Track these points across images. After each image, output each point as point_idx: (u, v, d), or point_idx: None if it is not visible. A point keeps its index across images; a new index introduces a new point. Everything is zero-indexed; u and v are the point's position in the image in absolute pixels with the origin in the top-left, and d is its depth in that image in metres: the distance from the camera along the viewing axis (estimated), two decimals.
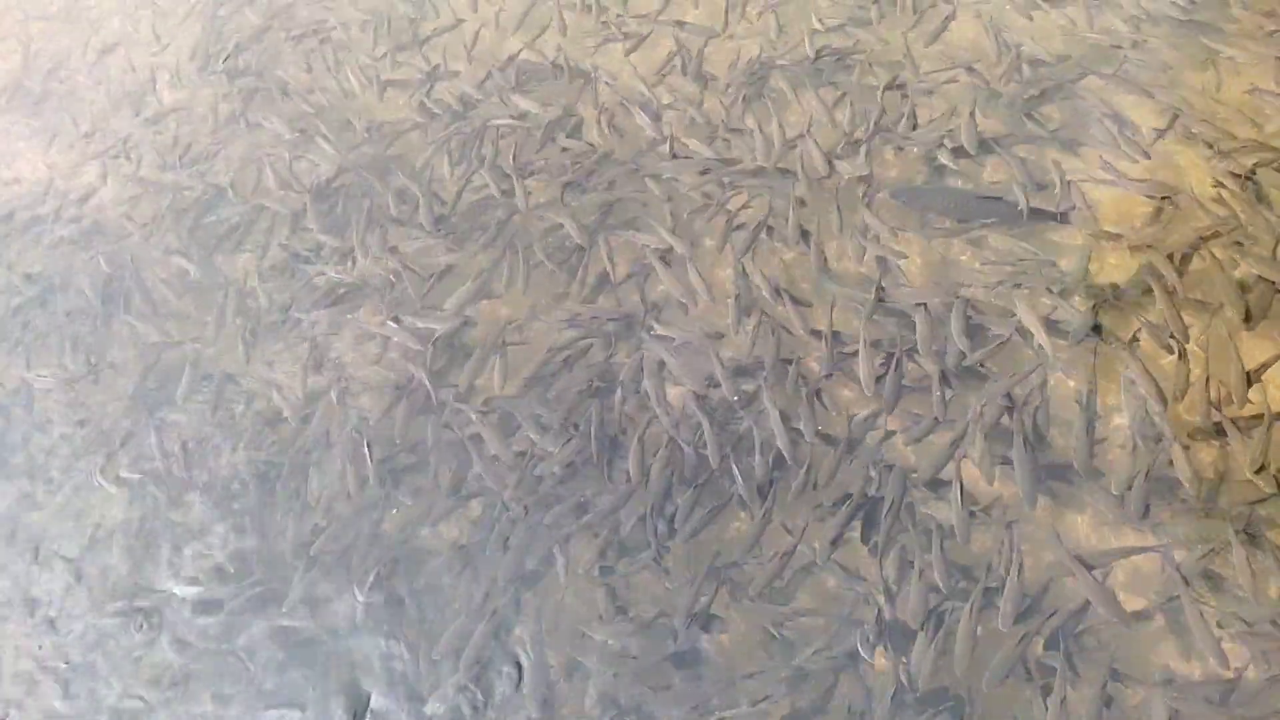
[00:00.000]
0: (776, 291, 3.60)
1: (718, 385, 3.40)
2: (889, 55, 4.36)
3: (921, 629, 2.79)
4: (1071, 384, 3.24)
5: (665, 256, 3.81)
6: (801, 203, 3.87)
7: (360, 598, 3.15)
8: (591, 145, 4.28)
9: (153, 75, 5.09)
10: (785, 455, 3.18)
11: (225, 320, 3.96)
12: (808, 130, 4.12)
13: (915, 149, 3.98)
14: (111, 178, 4.64)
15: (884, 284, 3.55)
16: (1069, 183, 3.75)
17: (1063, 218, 3.65)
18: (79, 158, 4.77)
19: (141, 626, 3.23)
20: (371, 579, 3.17)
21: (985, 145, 3.92)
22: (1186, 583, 2.77)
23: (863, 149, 4.00)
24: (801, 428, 3.23)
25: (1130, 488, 2.94)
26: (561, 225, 3.98)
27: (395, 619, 3.11)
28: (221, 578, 3.30)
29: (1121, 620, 2.73)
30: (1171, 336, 3.27)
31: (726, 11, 4.73)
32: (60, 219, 4.52)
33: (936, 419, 3.20)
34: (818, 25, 4.54)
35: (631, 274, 3.79)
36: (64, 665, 3.21)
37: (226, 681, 3.09)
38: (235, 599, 3.23)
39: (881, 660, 2.79)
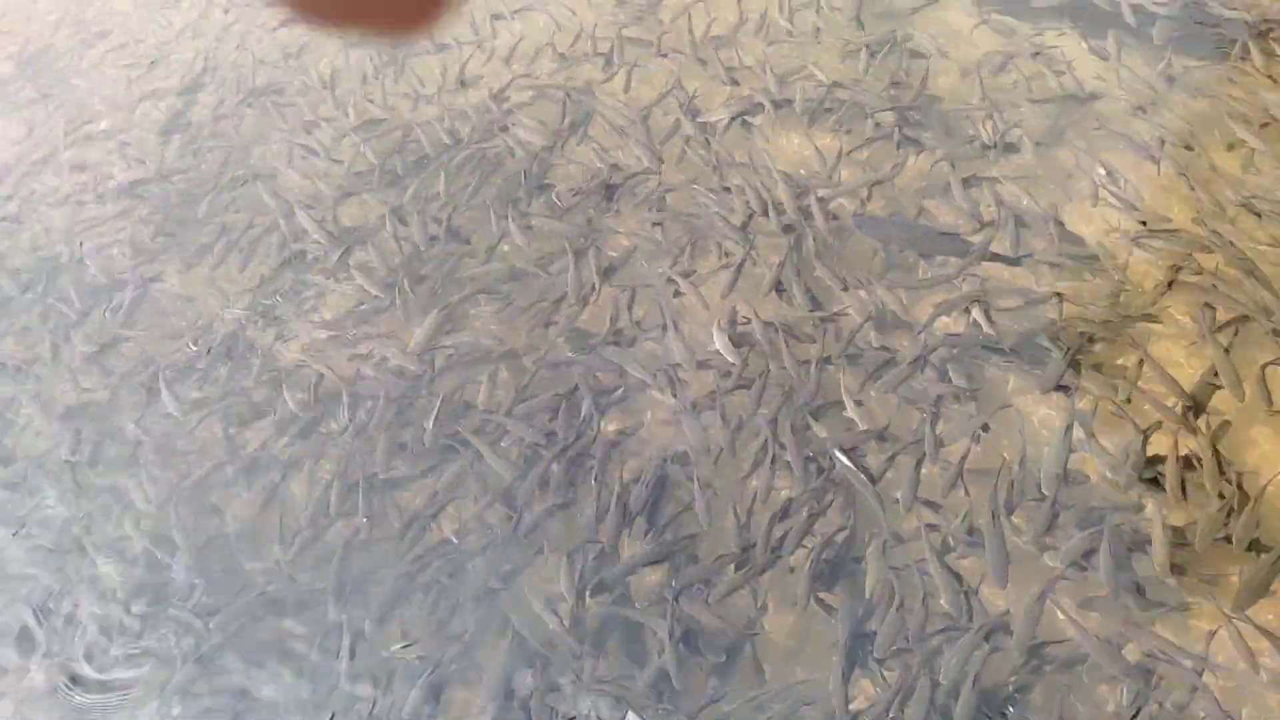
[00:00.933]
0: (767, 324, 3.65)
1: (708, 410, 3.43)
2: (877, 99, 4.47)
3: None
4: (1044, 423, 3.30)
5: (656, 286, 3.85)
6: (790, 236, 3.93)
7: (340, 613, 3.12)
8: (586, 174, 4.33)
9: (144, 86, 5.11)
10: (765, 482, 3.21)
11: (211, 329, 3.94)
12: (799, 171, 4.20)
13: (898, 189, 4.07)
14: (100, 182, 4.62)
15: (870, 319, 3.61)
16: (1052, 222, 3.85)
17: (1018, 261, 3.74)
18: (66, 163, 4.75)
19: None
20: (343, 592, 3.15)
21: (965, 184, 4.03)
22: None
23: (849, 188, 4.08)
24: (789, 459, 3.26)
25: (1099, 549, 2.96)
26: (552, 250, 4.01)
27: (361, 636, 3.08)
28: (181, 585, 3.25)
29: (1123, 671, 2.74)
30: (1138, 386, 3.34)
31: (720, 49, 4.83)
32: (47, 219, 4.49)
33: (916, 446, 3.25)
34: (812, 69, 4.64)
35: (622, 302, 3.83)
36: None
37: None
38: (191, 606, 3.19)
39: (857, 690, 2.80)
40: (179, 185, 4.54)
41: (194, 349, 3.85)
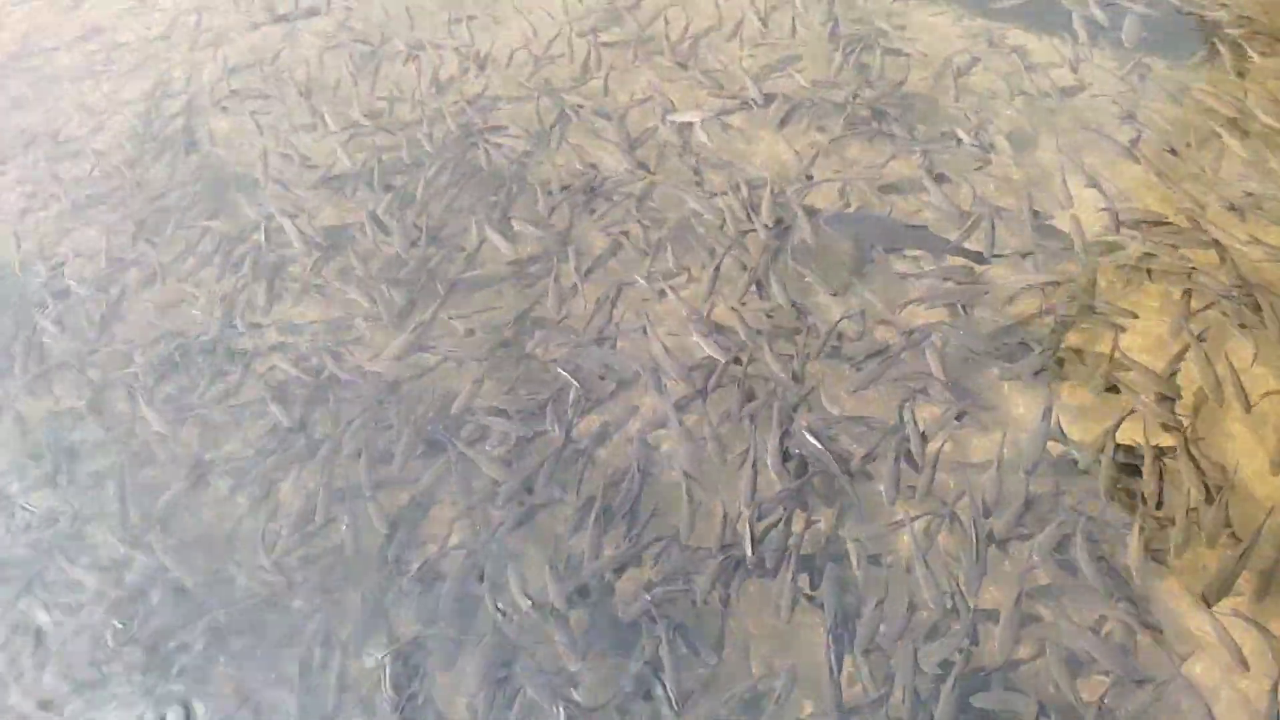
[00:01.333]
0: (746, 322, 3.66)
1: (689, 408, 3.44)
2: (852, 97, 4.49)
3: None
4: (1021, 413, 3.32)
5: (637, 286, 3.86)
6: (767, 233, 3.95)
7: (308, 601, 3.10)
8: (565, 176, 4.33)
9: (120, 91, 5.08)
10: (747, 477, 3.21)
11: (188, 337, 3.91)
12: (775, 170, 4.22)
13: (873, 186, 4.09)
14: (74, 188, 4.59)
15: (847, 315, 3.64)
16: (1028, 215, 3.87)
17: (985, 258, 3.77)
18: (40, 169, 4.72)
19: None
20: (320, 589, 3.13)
21: (939, 180, 4.06)
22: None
23: (824, 185, 4.10)
24: (769, 460, 3.26)
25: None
26: (532, 252, 4.01)
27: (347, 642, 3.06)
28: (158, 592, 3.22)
29: (1101, 659, 2.74)
30: (1115, 382, 3.38)
31: (697, 51, 4.84)
32: (19, 226, 4.45)
33: (894, 437, 3.27)
34: (788, 69, 4.67)
35: (603, 302, 3.82)
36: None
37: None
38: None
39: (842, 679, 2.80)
40: (153, 191, 4.51)
41: (134, 367, 3.81)
